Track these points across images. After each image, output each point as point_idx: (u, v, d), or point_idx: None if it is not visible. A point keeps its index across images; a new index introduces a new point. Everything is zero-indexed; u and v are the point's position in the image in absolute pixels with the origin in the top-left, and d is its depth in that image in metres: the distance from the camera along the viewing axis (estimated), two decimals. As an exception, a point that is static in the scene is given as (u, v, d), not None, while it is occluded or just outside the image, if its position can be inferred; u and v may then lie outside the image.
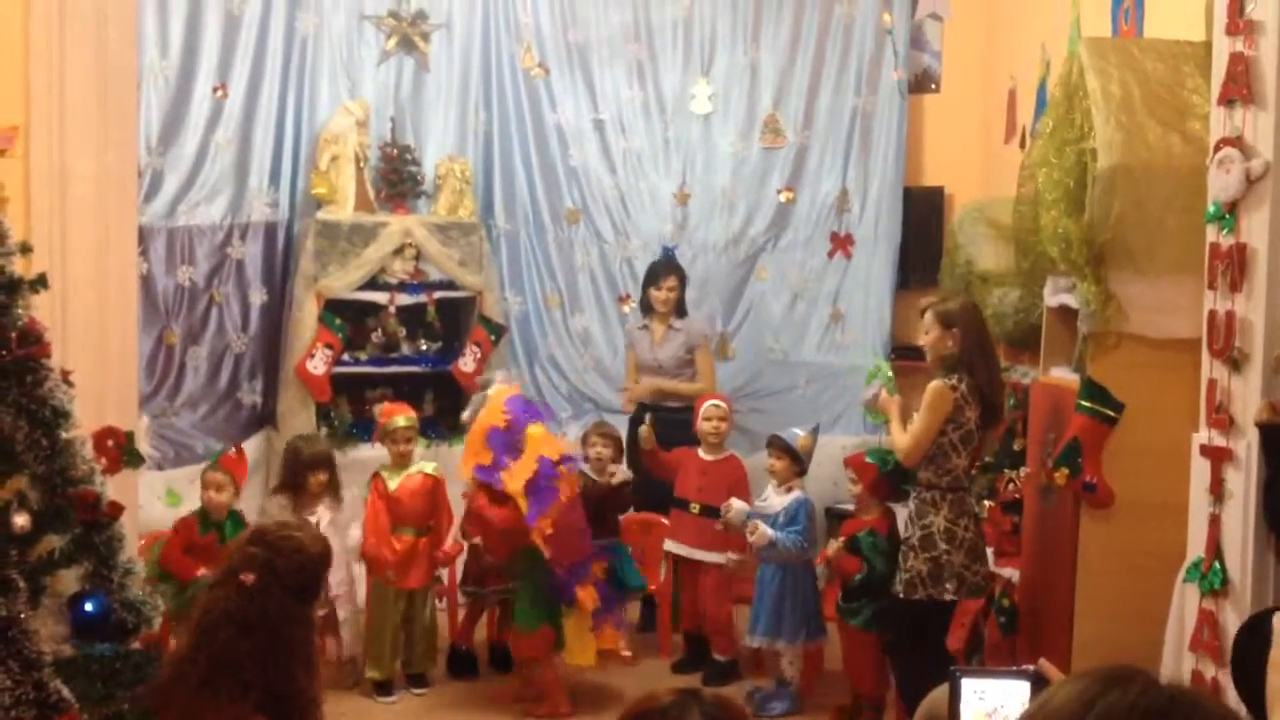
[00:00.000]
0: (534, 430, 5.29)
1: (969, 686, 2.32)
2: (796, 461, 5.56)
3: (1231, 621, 3.54)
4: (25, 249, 3.91)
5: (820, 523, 6.26)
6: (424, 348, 7.13)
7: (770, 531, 5.39)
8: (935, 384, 4.72)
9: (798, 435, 5.58)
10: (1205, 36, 4.22)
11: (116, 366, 5.39)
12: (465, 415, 5.60)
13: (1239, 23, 3.57)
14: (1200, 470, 3.77)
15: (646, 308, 6.72)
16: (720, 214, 7.61)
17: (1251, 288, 3.58)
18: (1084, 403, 4.46)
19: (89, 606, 3.77)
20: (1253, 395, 3.57)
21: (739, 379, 7.49)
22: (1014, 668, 2.64)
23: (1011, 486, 5.18)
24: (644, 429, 6.08)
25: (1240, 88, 3.58)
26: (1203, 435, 3.76)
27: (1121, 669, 1.48)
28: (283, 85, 7.07)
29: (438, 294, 7.05)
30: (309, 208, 7.02)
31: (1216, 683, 3.55)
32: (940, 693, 2.48)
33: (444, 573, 5.92)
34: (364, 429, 6.80)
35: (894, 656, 5.02)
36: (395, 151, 7.13)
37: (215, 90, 6.93)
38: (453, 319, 7.22)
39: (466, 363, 7.00)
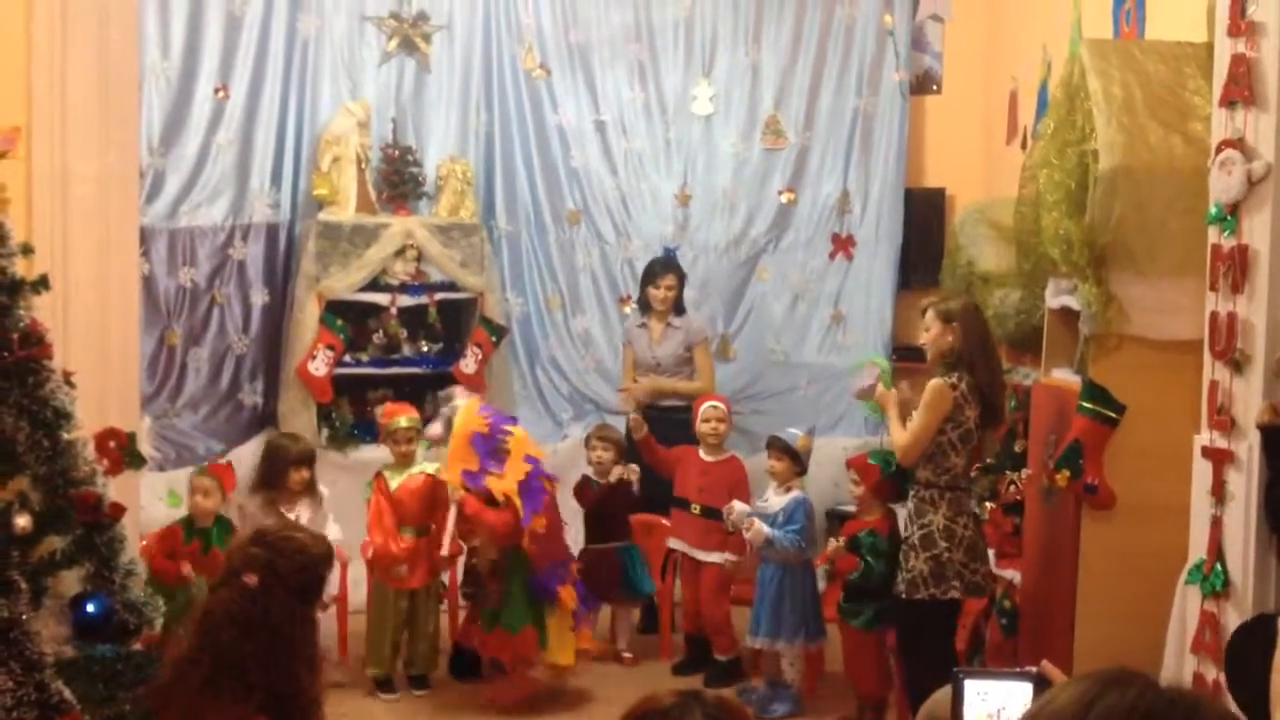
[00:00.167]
0: (517, 432, 5.37)
1: (972, 688, 2.33)
2: (796, 462, 5.56)
3: (1233, 623, 3.53)
4: (27, 250, 3.92)
5: (820, 524, 6.26)
6: (425, 349, 7.12)
7: (766, 529, 5.39)
8: (935, 382, 4.72)
9: (796, 435, 5.58)
10: (1207, 38, 4.22)
11: (118, 367, 5.38)
12: (436, 429, 5.55)
13: (1240, 24, 3.57)
14: (1202, 472, 3.77)
15: (645, 306, 6.73)
16: (721, 215, 7.61)
17: (1253, 289, 3.58)
18: (1085, 404, 4.46)
19: (91, 608, 3.77)
20: (1254, 397, 3.58)
21: (740, 380, 7.49)
22: (1016, 669, 2.64)
23: (1013, 488, 5.18)
24: (633, 415, 6.10)
25: (1242, 89, 3.58)
26: (1204, 437, 3.77)
27: (1121, 671, 1.49)
28: (284, 86, 7.08)
29: (439, 295, 7.05)
30: (310, 209, 7.02)
31: (1218, 685, 3.54)
32: (942, 694, 2.49)
33: (445, 575, 5.91)
34: (365, 430, 6.82)
35: (899, 657, 5.02)
36: (396, 152, 7.13)
37: (217, 91, 6.94)
38: (454, 320, 7.22)
39: (468, 364, 6.99)
